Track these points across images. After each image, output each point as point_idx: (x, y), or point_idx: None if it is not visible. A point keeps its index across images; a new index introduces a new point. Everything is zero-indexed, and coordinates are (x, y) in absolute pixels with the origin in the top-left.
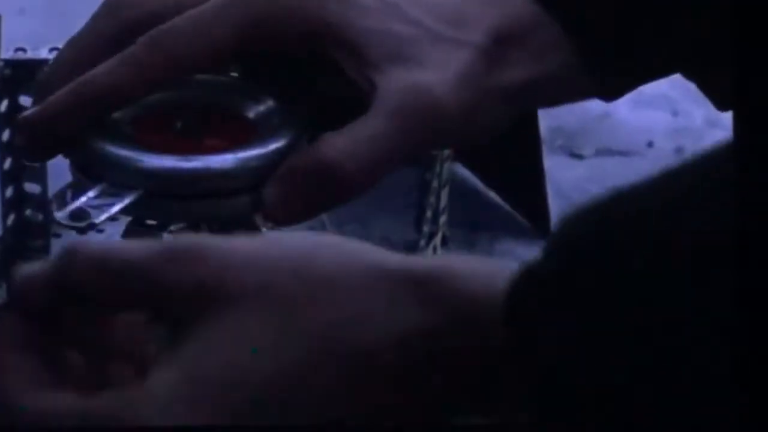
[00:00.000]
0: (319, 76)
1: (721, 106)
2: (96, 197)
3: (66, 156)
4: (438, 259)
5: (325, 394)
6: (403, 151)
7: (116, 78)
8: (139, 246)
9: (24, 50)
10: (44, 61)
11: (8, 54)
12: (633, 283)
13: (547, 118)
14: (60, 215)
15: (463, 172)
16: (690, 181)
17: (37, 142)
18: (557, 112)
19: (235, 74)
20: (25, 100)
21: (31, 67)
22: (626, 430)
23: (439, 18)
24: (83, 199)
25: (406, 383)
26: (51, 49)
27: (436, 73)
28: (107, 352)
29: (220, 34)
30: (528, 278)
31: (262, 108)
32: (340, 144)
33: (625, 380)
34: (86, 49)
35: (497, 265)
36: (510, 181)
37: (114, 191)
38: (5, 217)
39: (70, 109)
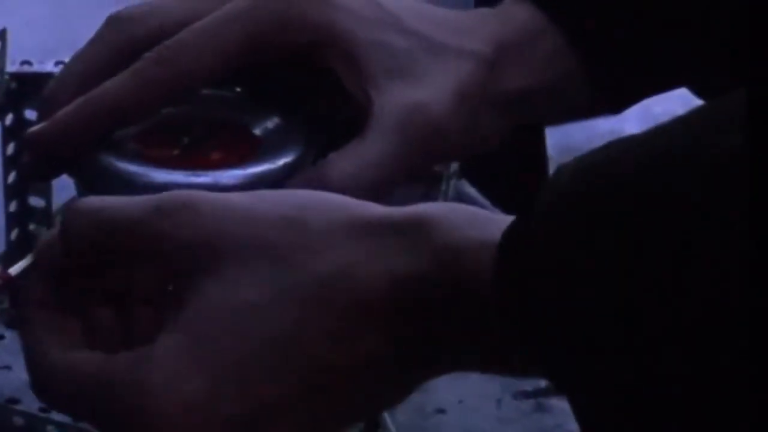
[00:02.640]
0: (319, 90)
1: None
2: None
3: (71, 174)
4: (420, 207)
5: (323, 343)
6: (404, 170)
7: (125, 94)
8: (134, 201)
9: (30, 63)
10: (50, 75)
11: (14, 67)
12: (626, 239)
13: (554, 136)
14: None
15: (470, 189)
16: (681, 139)
17: (43, 161)
18: (565, 130)
19: (239, 90)
20: (30, 114)
21: (37, 80)
22: (619, 364)
23: (440, 28)
24: None
25: (399, 329)
26: (57, 63)
27: (434, 88)
28: (126, 306)
29: (226, 45)
30: (518, 235)
31: (268, 123)
32: (343, 168)
33: (622, 330)
34: (91, 64)
35: (478, 213)
36: (516, 198)
37: None
38: (9, 231)
39: (78, 126)
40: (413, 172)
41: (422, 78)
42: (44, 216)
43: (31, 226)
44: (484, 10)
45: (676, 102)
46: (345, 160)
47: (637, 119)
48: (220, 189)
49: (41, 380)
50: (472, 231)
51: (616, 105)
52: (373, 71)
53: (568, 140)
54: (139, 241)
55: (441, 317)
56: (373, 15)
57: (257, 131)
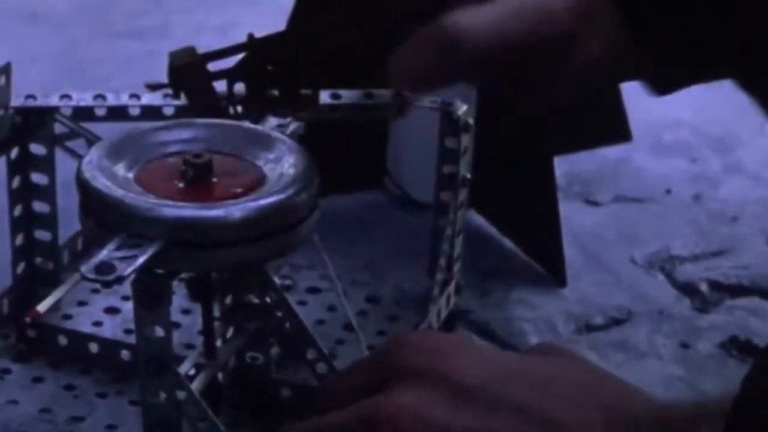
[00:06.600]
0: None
1: None
2: (117, 249)
3: (83, 209)
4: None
5: None
6: (516, 40)
7: (414, 62)
8: None
9: (34, 97)
10: (55, 109)
11: (18, 101)
12: None
13: (563, 164)
14: (85, 270)
15: (478, 219)
16: None
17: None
18: (574, 159)
19: (247, 123)
20: (36, 148)
21: (42, 114)
22: None
23: None
24: (105, 252)
25: None
26: (62, 96)
27: None
28: None
29: (510, 36)
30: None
31: (272, 156)
32: (463, 18)
33: None
34: None
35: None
36: (525, 228)
37: (134, 242)
38: (15, 265)
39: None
40: (522, 49)
41: None
42: (50, 250)
43: (37, 260)
44: None
45: (686, 130)
46: (463, 15)
47: (647, 148)
48: (230, 222)
49: None
50: None
51: (662, 86)
52: None
53: (576, 169)
54: None
55: None
56: None
57: (263, 164)
